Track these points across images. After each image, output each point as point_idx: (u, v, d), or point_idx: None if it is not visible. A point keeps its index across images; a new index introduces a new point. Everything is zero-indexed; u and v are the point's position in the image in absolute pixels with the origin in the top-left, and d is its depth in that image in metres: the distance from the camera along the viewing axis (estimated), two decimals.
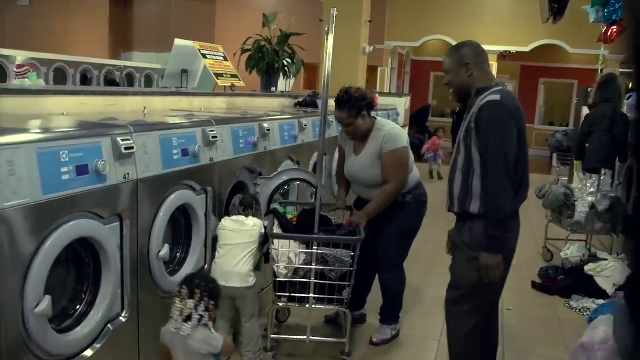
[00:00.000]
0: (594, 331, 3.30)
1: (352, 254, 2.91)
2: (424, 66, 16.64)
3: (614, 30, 7.63)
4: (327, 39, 2.89)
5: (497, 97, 2.52)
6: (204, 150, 2.90)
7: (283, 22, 6.27)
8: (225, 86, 4.80)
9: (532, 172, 6.96)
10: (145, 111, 3.45)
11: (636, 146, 0.83)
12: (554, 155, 10.81)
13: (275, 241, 2.92)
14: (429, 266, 5.01)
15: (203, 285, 2.23)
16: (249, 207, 3.03)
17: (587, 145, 4.78)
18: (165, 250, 2.56)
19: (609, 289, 4.47)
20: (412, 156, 3.46)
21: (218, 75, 4.63)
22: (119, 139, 2.25)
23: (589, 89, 8.50)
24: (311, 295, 2.94)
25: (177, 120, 2.95)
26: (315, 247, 2.89)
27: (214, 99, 4.45)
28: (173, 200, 2.64)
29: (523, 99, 13.25)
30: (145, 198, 2.45)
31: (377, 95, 8.19)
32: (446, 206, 2.84)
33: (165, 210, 2.58)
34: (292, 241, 2.98)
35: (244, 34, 6.14)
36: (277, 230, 3.06)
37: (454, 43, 12.28)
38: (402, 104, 9.40)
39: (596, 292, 4.49)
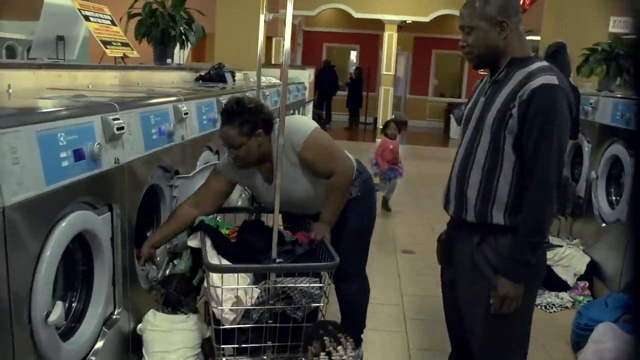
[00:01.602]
0: (601, 346, 2.79)
1: (323, 284, 2.14)
2: (317, 37, 15.97)
3: None
4: None
5: (553, 78, 1.87)
6: (107, 148, 1.97)
7: None
8: (115, 57, 3.78)
9: (428, 144, 6.50)
10: (10, 91, 2.42)
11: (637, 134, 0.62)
12: (455, 127, 10.62)
13: (214, 275, 2.07)
14: (370, 264, 4.36)
15: (337, 326, 2.14)
16: (177, 307, 2.24)
17: None
18: (58, 312, 1.64)
19: (570, 279, 4.06)
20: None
21: (106, 44, 3.61)
22: None
23: None
24: (269, 343, 2.14)
25: (61, 106, 1.98)
26: (274, 279, 2.09)
27: (103, 73, 3.43)
28: (64, 230, 1.71)
29: (417, 71, 13.11)
30: (19, 235, 1.51)
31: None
32: (448, 208, 2.17)
33: (53, 248, 1.65)
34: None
35: None
36: (211, 254, 2.22)
37: (352, 12, 11.73)
38: (307, 77, 8.66)
39: (556, 283, 4.07)
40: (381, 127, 12.63)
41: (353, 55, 17.08)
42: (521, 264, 1.93)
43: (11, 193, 1.46)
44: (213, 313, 2.12)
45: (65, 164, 1.72)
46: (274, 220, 2.11)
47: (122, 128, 2.04)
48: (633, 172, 0.63)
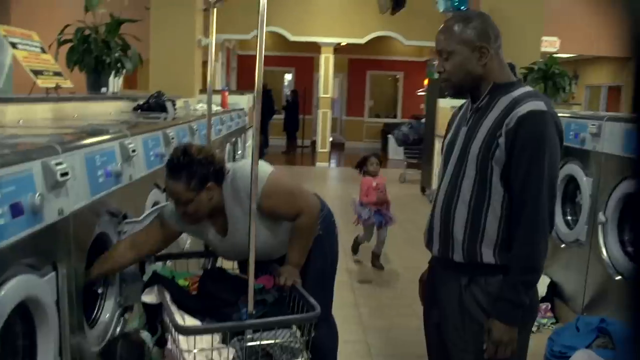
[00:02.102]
0: None
1: (305, 336, 1.93)
2: (251, 61, 15.72)
3: None
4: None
5: (540, 104, 1.77)
6: (49, 198, 1.70)
7: (111, 6, 4.97)
8: (47, 88, 3.45)
9: None
10: None
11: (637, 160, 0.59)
12: (400, 149, 10.65)
13: (181, 337, 1.82)
14: None
15: None
16: None
17: None
18: None
19: None
20: None
21: (37, 73, 3.29)
22: None
23: None
24: None
25: None
26: (250, 336, 1.86)
27: (34, 107, 3.12)
28: (2, 301, 1.43)
29: (353, 93, 13.14)
30: None
31: (227, 93, 7.16)
32: (431, 247, 2.02)
33: None
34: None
35: (57, 20, 4.73)
36: (172, 310, 1.96)
37: (288, 36, 11.63)
38: (246, 102, 8.44)
39: None
40: (325, 153, 12.53)
41: (288, 78, 17.01)
42: (515, 305, 1.80)
43: None
44: None
45: (1, 222, 1.44)
46: (250, 271, 1.88)
47: (67, 174, 1.77)
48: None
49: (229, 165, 2.34)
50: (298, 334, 1.94)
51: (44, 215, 1.66)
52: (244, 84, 15.01)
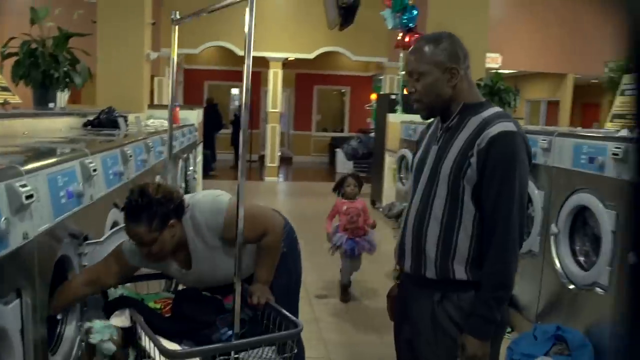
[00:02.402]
0: None
1: (288, 353, 1.91)
2: (197, 75, 15.63)
3: (411, 37, 7.65)
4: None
5: (510, 125, 1.82)
6: (14, 222, 1.62)
7: (58, 19, 4.84)
8: None
9: (314, 179, 6.33)
10: None
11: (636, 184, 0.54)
12: (349, 162, 10.75)
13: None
14: None
15: None
16: None
17: None
18: None
19: None
20: None
21: None
22: None
23: (392, 96, 8.45)
24: None
25: None
26: (236, 356, 1.82)
27: None
28: None
29: (300, 107, 13.19)
30: None
31: (178, 109, 7.05)
32: (402, 264, 2.04)
33: None
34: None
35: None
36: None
37: (237, 51, 11.54)
38: (195, 117, 8.33)
39: None
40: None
41: (235, 92, 16.91)
42: (488, 320, 1.84)
43: None
44: None
45: None
46: (236, 291, 1.85)
47: (32, 196, 1.70)
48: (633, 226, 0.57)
49: (187, 198, 2.29)
50: (289, 347, 1.92)
51: (9, 241, 1.59)
52: (190, 99, 14.84)
